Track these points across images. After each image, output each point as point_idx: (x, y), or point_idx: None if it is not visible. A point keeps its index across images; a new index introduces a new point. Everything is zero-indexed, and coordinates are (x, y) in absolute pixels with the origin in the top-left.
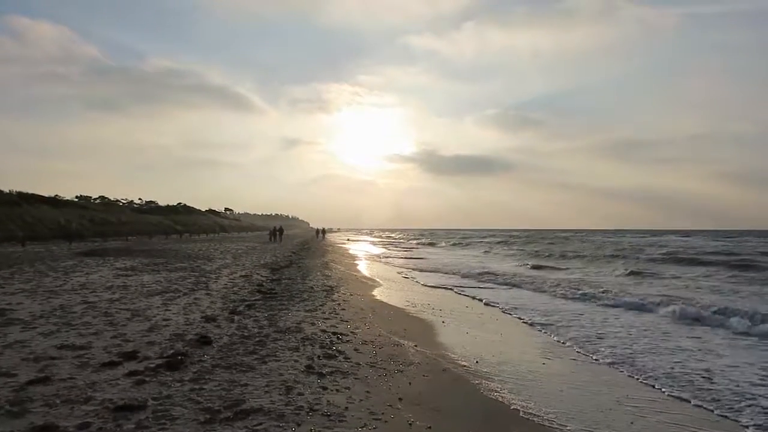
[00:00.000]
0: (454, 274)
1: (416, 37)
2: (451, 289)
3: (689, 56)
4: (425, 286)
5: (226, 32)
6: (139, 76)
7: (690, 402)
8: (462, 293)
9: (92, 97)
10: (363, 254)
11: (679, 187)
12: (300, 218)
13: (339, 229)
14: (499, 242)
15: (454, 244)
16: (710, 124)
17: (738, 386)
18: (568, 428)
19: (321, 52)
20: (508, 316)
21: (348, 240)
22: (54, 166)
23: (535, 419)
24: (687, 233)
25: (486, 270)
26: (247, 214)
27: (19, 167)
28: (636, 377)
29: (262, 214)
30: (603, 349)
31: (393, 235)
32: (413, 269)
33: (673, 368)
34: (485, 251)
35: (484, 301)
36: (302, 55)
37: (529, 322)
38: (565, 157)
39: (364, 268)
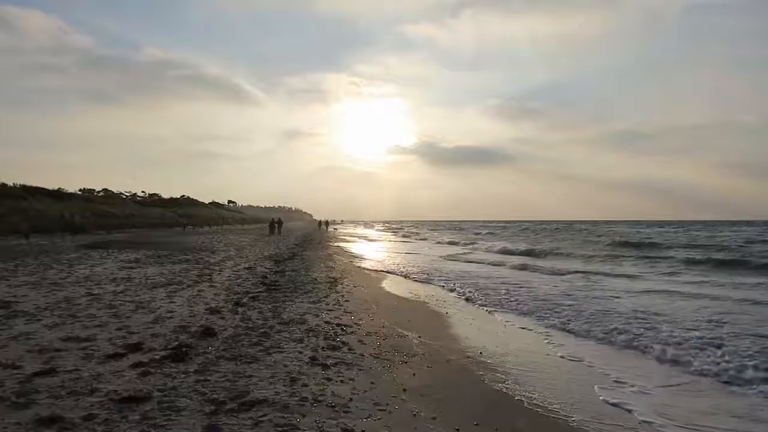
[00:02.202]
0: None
1: (413, 26)
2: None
3: (693, 45)
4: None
5: (220, 22)
6: (133, 66)
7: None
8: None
9: (87, 89)
10: (352, 246)
11: (682, 178)
12: (303, 210)
13: (342, 221)
14: (484, 233)
15: (424, 239)
16: (714, 115)
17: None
18: (572, 419)
19: (316, 42)
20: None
21: (335, 229)
22: (54, 159)
23: (539, 410)
24: (690, 223)
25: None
26: (250, 207)
27: (18, 160)
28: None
29: (265, 207)
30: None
31: (390, 227)
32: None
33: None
34: (450, 241)
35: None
36: (298, 44)
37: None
38: (566, 148)
39: (351, 260)
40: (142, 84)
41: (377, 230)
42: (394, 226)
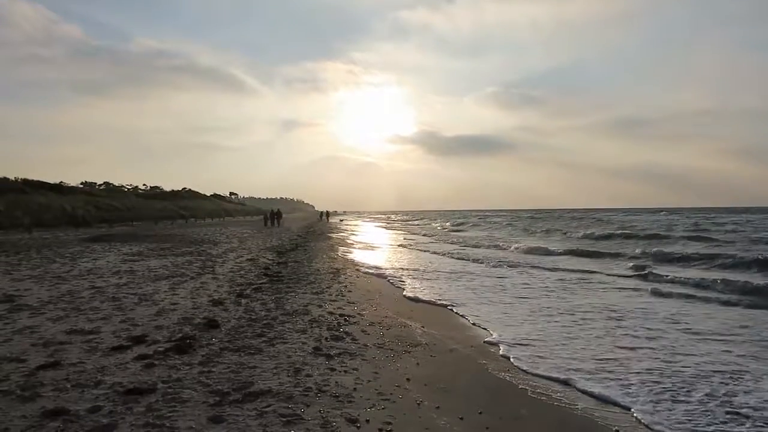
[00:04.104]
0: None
1: (409, 11)
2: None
3: (695, 27)
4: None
5: (212, 11)
6: (125, 57)
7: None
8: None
9: (80, 81)
10: (351, 239)
11: (685, 164)
12: (305, 201)
13: (345, 212)
14: (456, 223)
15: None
16: (716, 99)
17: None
18: (576, 406)
19: (310, 29)
20: None
21: (339, 220)
22: (53, 153)
23: (543, 398)
24: (690, 210)
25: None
26: (252, 198)
27: (17, 154)
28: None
29: (266, 198)
30: None
31: (390, 219)
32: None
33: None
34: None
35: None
36: (291, 32)
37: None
38: (567, 135)
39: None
40: (137, 75)
41: (376, 223)
42: (393, 217)
